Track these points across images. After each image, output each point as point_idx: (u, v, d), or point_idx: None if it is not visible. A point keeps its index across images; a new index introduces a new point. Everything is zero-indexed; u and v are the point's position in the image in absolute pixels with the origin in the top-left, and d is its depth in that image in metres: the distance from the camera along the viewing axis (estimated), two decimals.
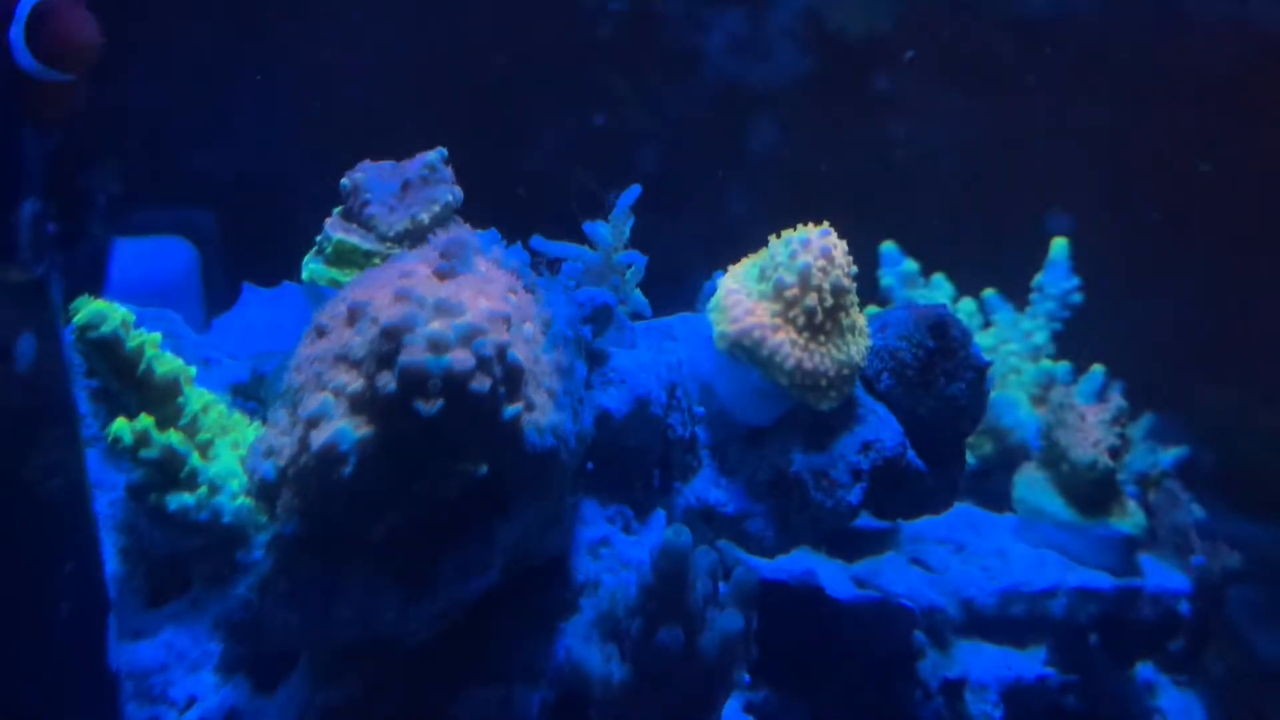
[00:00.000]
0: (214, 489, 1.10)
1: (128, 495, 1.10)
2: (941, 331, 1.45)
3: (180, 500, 1.08)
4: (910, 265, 2.18)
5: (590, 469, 1.21)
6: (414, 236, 1.37)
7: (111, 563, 1.16)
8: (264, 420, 1.07)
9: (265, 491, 0.93)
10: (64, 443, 0.91)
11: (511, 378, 0.91)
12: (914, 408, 1.44)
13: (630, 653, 1.01)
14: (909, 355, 1.45)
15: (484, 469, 0.91)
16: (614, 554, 1.19)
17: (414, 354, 0.85)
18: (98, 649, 0.97)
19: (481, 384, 0.87)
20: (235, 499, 1.11)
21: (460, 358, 0.86)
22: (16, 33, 1.37)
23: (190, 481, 1.09)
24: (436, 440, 0.88)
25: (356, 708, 1.01)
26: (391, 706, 1.01)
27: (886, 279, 2.18)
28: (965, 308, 2.20)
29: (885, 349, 1.46)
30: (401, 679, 1.02)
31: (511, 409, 0.91)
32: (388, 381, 0.86)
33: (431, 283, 0.94)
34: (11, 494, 0.87)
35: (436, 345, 0.86)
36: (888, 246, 2.19)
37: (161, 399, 1.13)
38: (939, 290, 2.20)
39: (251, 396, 1.35)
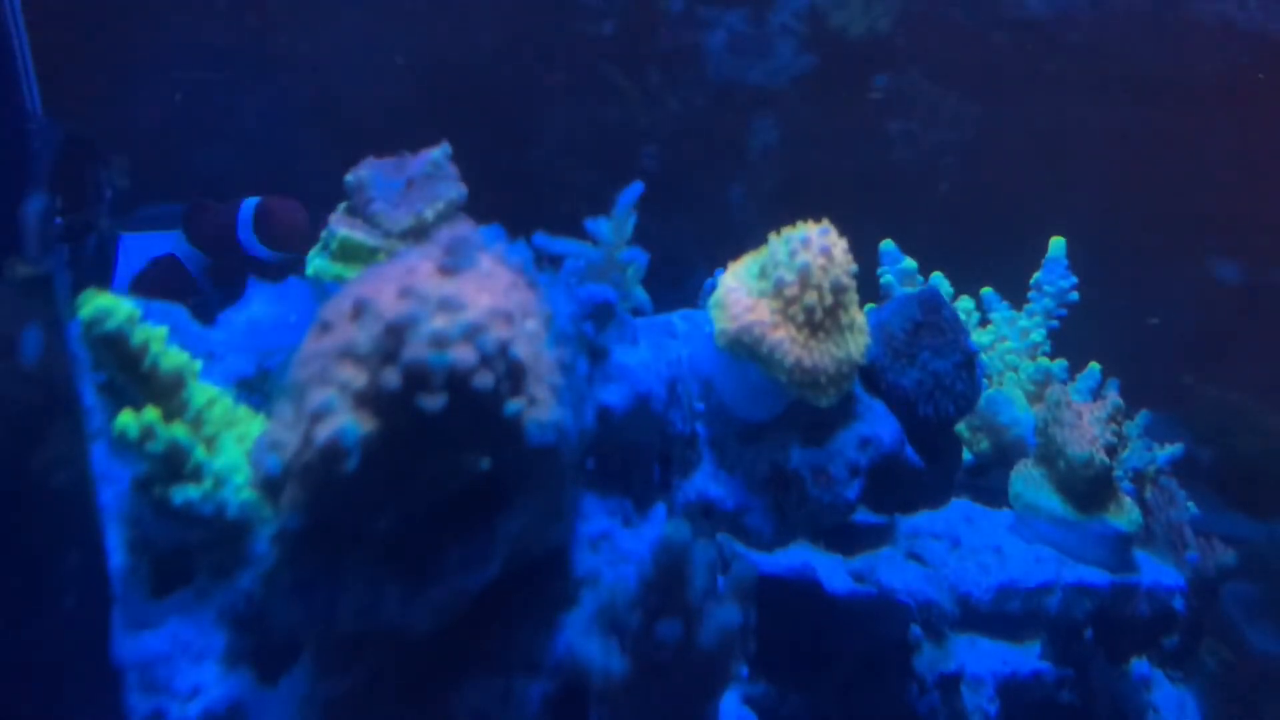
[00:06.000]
0: (219, 482, 1.11)
1: (133, 488, 1.11)
2: (931, 307, 1.46)
3: (185, 493, 1.08)
4: (909, 263, 2.18)
5: (591, 464, 1.21)
6: (418, 233, 1.37)
7: (116, 554, 1.16)
8: (269, 415, 1.07)
9: (270, 485, 0.94)
10: (70, 436, 0.92)
11: (514, 374, 0.92)
12: (897, 379, 1.45)
13: (630, 645, 1.02)
14: (897, 328, 1.46)
15: (486, 464, 0.92)
16: (614, 548, 1.20)
17: (417, 350, 0.86)
18: (102, 640, 0.98)
19: (484, 380, 0.88)
20: (240, 492, 1.12)
21: (463, 354, 0.87)
22: (246, 234, 1.70)
23: (196, 475, 1.09)
24: (439, 436, 0.89)
25: (358, 698, 1.02)
26: (393, 697, 1.02)
27: (886, 277, 2.19)
28: (963, 305, 2.21)
29: (878, 325, 1.48)
30: (403, 670, 1.03)
31: (514, 405, 0.92)
32: (391, 378, 0.87)
33: (435, 279, 0.95)
34: (18, 486, 0.88)
35: (439, 342, 0.87)
36: (887, 245, 2.20)
37: (167, 393, 1.13)
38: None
39: (257, 391, 1.36)
